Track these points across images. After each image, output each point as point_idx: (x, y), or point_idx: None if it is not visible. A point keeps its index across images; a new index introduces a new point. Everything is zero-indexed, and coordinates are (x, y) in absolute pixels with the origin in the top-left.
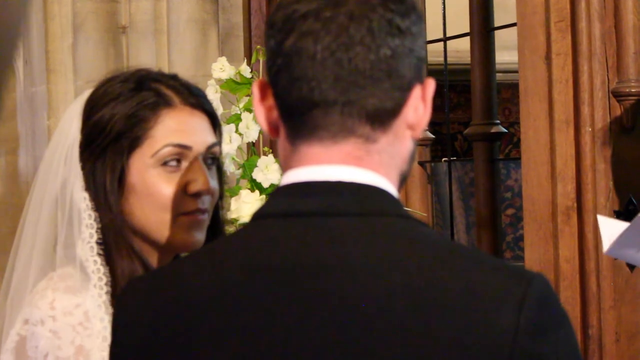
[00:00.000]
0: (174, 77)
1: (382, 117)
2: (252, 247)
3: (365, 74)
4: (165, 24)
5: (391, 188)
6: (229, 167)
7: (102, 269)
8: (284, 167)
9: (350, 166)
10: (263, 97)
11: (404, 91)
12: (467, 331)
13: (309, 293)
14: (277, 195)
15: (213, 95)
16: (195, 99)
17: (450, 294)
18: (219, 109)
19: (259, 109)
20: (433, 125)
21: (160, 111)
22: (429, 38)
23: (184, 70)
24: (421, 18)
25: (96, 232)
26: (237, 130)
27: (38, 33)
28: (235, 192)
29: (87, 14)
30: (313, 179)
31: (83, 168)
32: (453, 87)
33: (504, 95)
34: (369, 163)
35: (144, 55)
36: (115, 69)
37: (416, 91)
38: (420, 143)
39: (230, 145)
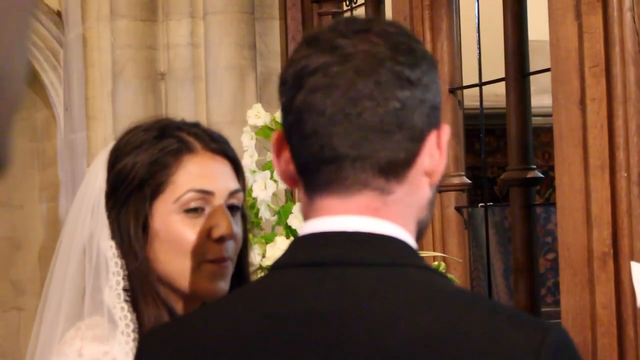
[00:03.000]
0: (196, 125)
1: (397, 169)
2: (271, 297)
3: (375, 127)
4: (203, 70)
5: (409, 238)
6: (265, 214)
7: (129, 316)
8: (304, 218)
9: (367, 217)
10: (280, 151)
11: (417, 141)
12: None
13: (326, 343)
14: (295, 245)
15: (248, 141)
16: (217, 145)
17: (468, 345)
18: (254, 156)
19: (276, 164)
20: (472, 169)
21: (182, 157)
22: (465, 83)
23: (222, 116)
24: (434, 66)
25: (123, 279)
26: (272, 177)
27: (78, 80)
28: (270, 239)
29: (127, 61)
30: (330, 229)
31: (109, 216)
32: (492, 132)
33: (544, 139)
34: (386, 214)
35: (183, 102)
36: (154, 115)
37: (431, 138)
38: (457, 188)
39: (266, 192)
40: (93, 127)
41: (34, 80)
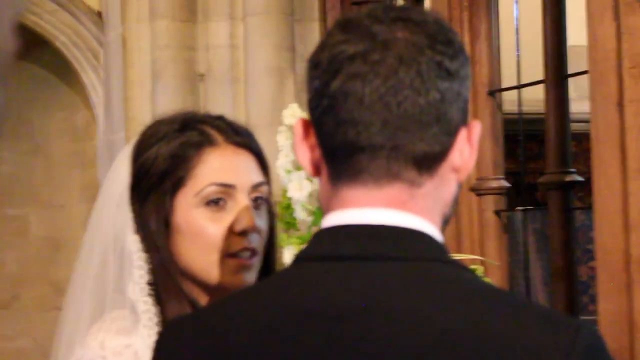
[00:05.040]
0: (220, 118)
1: (429, 162)
2: (293, 290)
3: (414, 118)
4: (242, 72)
5: (435, 232)
6: (300, 214)
7: (153, 309)
8: (325, 209)
9: (393, 210)
10: (305, 135)
11: (451, 135)
12: None
13: (348, 338)
14: (318, 237)
15: (284, 141)
16: (240, 138)
17: (494, 342)
18: (290, 155)
19: (301, 148)
20: (514, 175)
21: (203, 150)
22: (503, 85)
23: (261, 117)
24: (468, 60)
25: (147, 273)
26: (307, 177)
27: (118, 80)
28: (306, 239)
29: (166, 62)
30: (355, 222)
31: (132, 210)
32: (534, 137)
33: (586, 145)
34: (412, 207)
35: (221, 103)
36: None
37: (462, 134)
38: (496, 192)
39: (301, 192)
40: (132, 128)
41: (75, 81)
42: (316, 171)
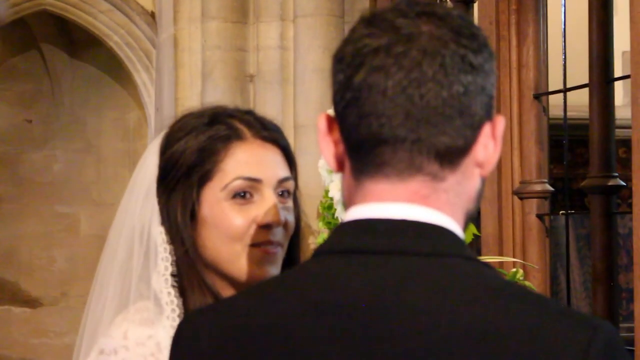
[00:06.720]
0: (248, 112)
1: (452, 156)
2: (312, 284)
3: (437, 111)
4: (291, 73)
5: (456, 228)
6: (342, 214)
7: (176, 301)
8: (348, 203)
9: (415, 205)
10: (329, 130)
11: (475, 129)
12: None
13: (367, 332)
14: (339, 231)
15: None
16: (268, 133)
17: (512, 338)
18: None
19: (325, 143)
20: (562, 180)
21: (231, 144)
22: (550, 89)
23: (309, 119)
24: (493, 55)
25: (171, 264)
26: None
27: (169, 81)
28: None
29: (216, 63)
30: (377, 216)
31: (159, 202)
32: (584, 143)
33: None
34: (435, 202)
35: (270, 103)
36: None
37: (486, 129)
38: (540, 195)
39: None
40: None
41: (127, 81)
42: (340, 166)
